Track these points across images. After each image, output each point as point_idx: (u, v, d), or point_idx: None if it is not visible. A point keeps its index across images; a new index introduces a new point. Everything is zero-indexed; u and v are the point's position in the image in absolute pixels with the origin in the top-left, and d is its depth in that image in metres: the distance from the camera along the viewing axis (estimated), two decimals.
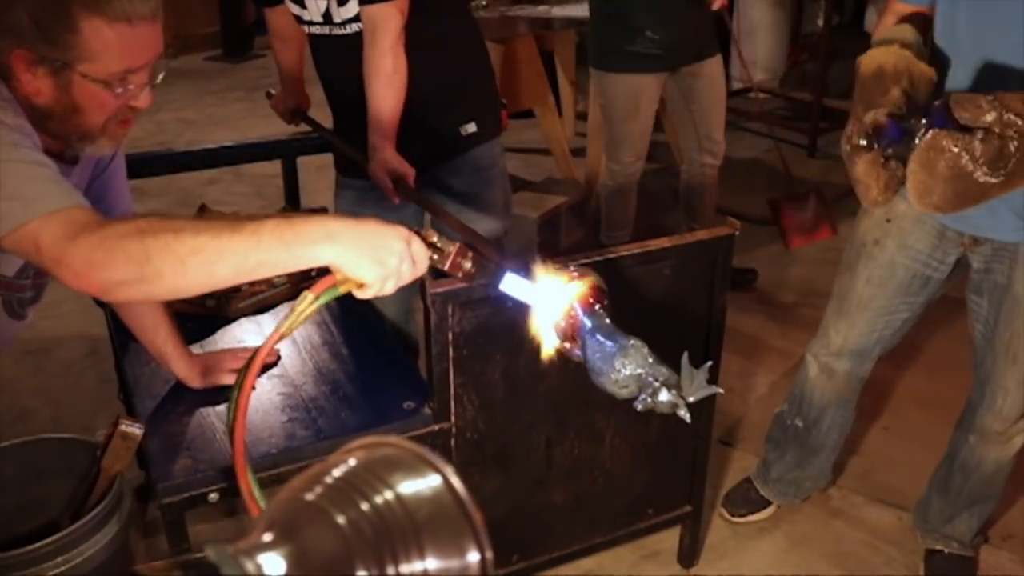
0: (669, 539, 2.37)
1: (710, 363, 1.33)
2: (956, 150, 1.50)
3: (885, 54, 1.70)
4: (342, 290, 1.20)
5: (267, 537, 0.52)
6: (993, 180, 1.50)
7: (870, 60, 1.71)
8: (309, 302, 1.20)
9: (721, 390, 1.38)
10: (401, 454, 0.55)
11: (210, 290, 1.19)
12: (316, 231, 1.15)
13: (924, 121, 1.57)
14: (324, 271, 1.20)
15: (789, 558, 2.42)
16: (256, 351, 1.21)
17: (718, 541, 2.49)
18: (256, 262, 1.14)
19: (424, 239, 1.26)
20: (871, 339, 2.16)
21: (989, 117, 1.47)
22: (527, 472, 1.98)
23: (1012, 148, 1.47)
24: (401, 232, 1.20)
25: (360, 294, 1.21)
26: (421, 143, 2.16)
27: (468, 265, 1.31)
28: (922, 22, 1.84)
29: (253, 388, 1.86)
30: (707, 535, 2.48)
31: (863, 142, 1.63)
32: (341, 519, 0.51)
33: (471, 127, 2.29)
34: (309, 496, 0.53)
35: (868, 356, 2.20)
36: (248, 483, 1.22)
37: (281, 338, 1.22)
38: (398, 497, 0.52)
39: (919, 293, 2.07)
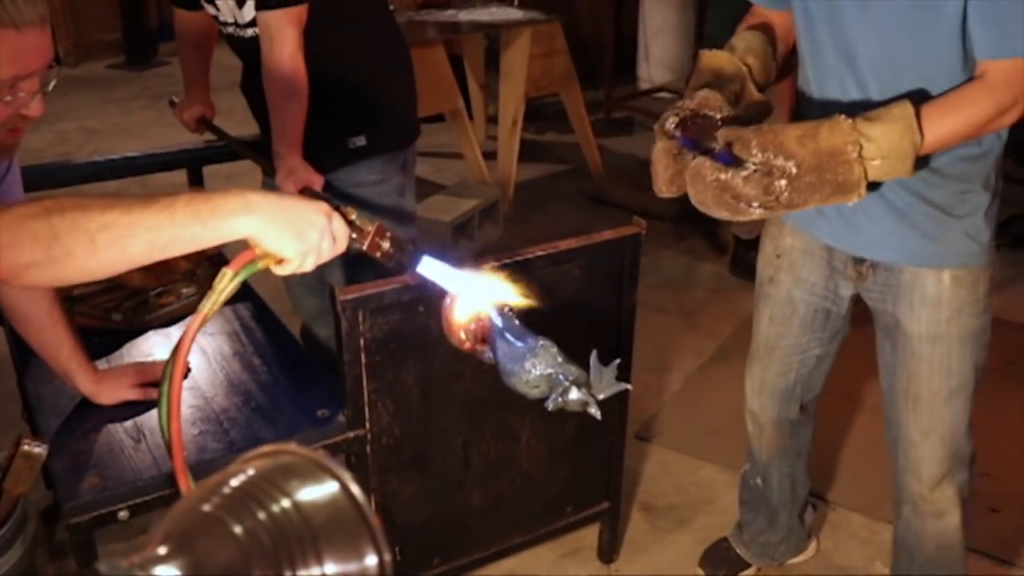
0: (589, 536, 2.40)
1: (618, 360, 1.35)
2: (718, 182, 1.46)
3: (728, 61, 1.66)
4: (261, 265, 1.17)
5: (162, 550, 0.51)
6: (759, 212, 1.47)
7: (712, 57, 1.67)
8: (229, 279, 1.17)
9: (629, 387, 1.40)
10: (298, 461, 0.55)
11: (125, 269, 1.14)
12: (233, 203, 1.11)
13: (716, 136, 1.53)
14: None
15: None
16: (180, 340, 1.18)
17: (638, 535, 2.53)
18: (170, 237, 1.10)
19: (344, 216, 1.24)
20: (789, 379, 2.04)
21: (757, 158, 1.44)
22: (445, 475, 1.98)
23: (779, 186, 1.44)
24: (322, 207, 1.19)
25: (279, 270, 1.18)
26: (307, 150, 2.13)
27: (386, 245, 1.30)
28: (781, 27, 1.79)
29: (186, 374, 1.85)
30: (626, 530, 2.51)
31: (670, 124, 1.56)
32: (238, 528, 0.51)
33: (360, 140, 2.25)
34: (206, 507, 0.53)
35: (791, 398, 2.08)
36: (187, 483, 1.20)
37: (204, 321, 1.18)
38: (295, 504, 0.52)
39: (824, 328, 1.97)
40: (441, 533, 2.05)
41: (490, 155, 4.85)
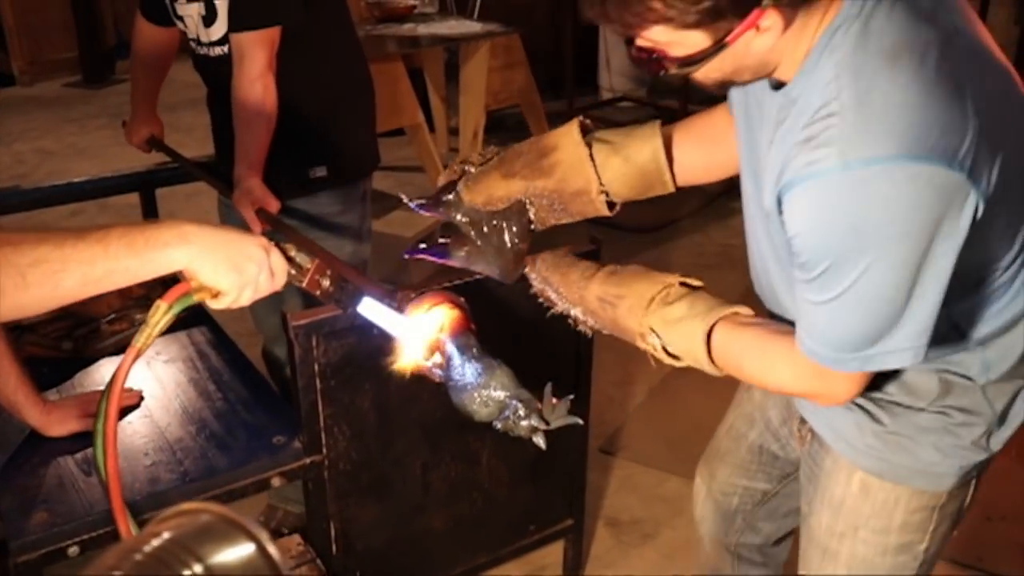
0: (554, 553, 2.38)
1: (572, 396, 1.35)
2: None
3: (577, 154, 1.40)
4: (196, 298, 1.15)
5: None
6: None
7: (560, 135, 1.42)
8: (163, 312, 1.14)
9: (580, 421, 1.39)
10: (215, 521, 0.54)
11: (59, 304, 1.11)
12: (168, 234, 1.10)
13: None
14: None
15: (672, 563, 2.47)
16: (114, 375, 1.15)
17: (602, 551, 2.52)
18: (104, 270, 1.07)
19: (283, 252, 1.22)
20: (731, 503, 1.74)
21: (557, 305, 1.46)
22: (405, 499, 1.96)
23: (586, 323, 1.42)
24: (260, 240, 1.17)
25: (215, 304, 1.16)
26: (266, 177, 2.11)
27: (326, 283, 1.29)
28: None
29: (138, 403, 1.82)
30: (591, 546, 2.50)
31: (415, 203, 1.51)
32: None
33: (321, 171, 2.23)
34: (116, 574, 0.51)
35: (731, 526, 1.77)
36: (127, 524, 1.17)
37: (138, 355, 1.16)
38: (207, 569, 0.51)
39: (773, 466, 1.66)
40: (403, 557, 2.02)
41: None
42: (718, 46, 1.07)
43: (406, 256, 1.56)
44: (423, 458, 1.94)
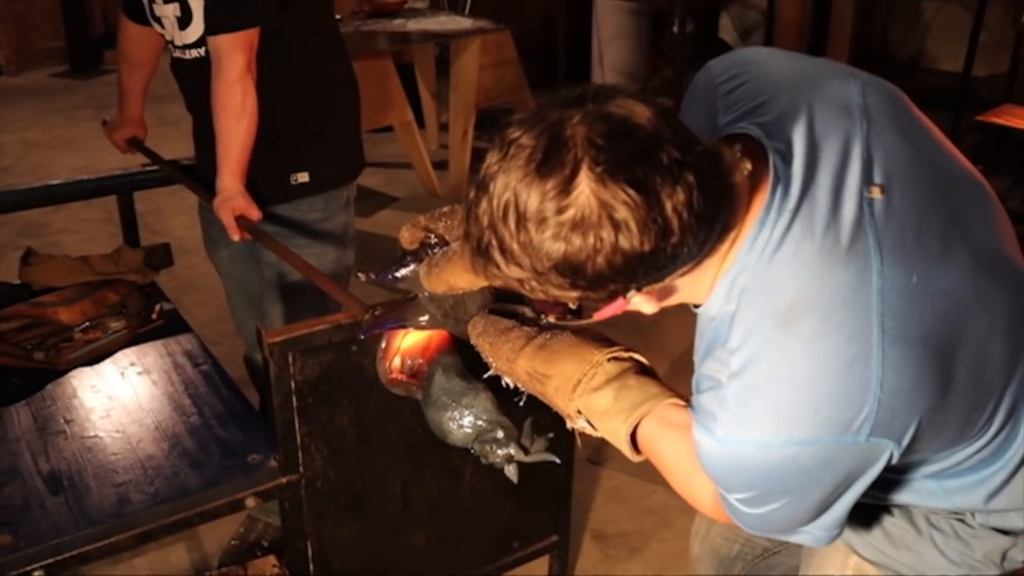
0: (539, 568, 2.33)
1: (551, 434, 1.31)
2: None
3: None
4: None
5: None
6: None
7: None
8: None
9: (558, 460, 1.35)
10: None
11: None
12: None
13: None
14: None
15: None
16: None
17: (589, 566, 2.47)
18: None
19: None
20: (732, 550, 1.68)
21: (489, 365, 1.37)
22: (384, 517, 1.91)
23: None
24: None
25: None
26: (248, 183, 2.06)
27: None
28: None
29: None
30: (578, 560, 2.45)
31: (372, 277, 1.48)
32: None
33: (303, 176, 2.18)
34: None
35: (730, 570, 1.71)
36: None
37: None
38: None
39: None
40: None
41: (444, 163, 4.78)
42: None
43: (363, 336, 1.53)
44: (403, 475, 1.89)
